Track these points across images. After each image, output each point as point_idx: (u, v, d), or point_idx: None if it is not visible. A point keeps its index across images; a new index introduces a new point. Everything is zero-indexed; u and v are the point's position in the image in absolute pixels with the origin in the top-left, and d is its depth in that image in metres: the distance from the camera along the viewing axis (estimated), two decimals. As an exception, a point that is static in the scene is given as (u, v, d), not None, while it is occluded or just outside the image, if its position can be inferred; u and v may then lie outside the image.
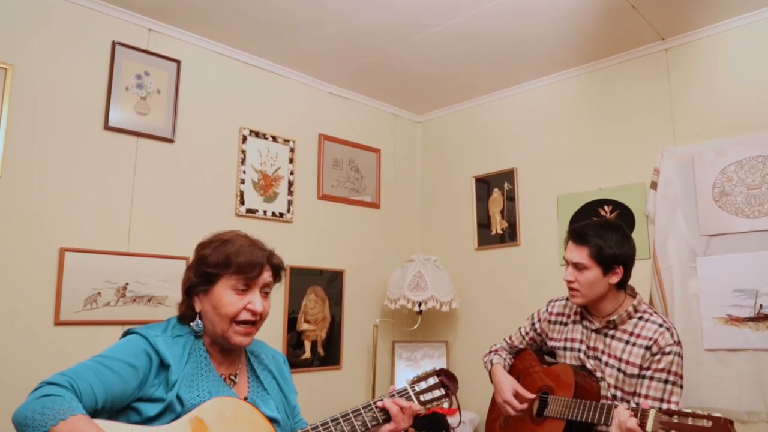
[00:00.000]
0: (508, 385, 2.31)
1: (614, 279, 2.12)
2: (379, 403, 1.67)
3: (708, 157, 2.89)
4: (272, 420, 1.59)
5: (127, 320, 2.72)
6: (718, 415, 1.52)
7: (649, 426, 1.66)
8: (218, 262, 1.58)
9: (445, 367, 3.63)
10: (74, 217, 2.68)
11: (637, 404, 1.76)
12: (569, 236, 2.20)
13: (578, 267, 2.12)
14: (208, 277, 1.58)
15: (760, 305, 2.65)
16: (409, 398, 1.72)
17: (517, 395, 2.27)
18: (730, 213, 2.79)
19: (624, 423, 1.71)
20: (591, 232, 2.14)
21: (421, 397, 1.73)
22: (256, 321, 1.61)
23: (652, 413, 1.66)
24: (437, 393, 1.76)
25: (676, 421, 1.59)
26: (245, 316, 1.59)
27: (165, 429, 1.44)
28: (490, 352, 2.57)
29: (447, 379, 1.78)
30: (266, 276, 1.63)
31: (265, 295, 1.64)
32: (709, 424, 1.53)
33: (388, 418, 1.67)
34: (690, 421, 1.56)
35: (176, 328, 1.61)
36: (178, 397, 1.48)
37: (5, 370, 2.41)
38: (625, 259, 2.13)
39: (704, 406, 2.76)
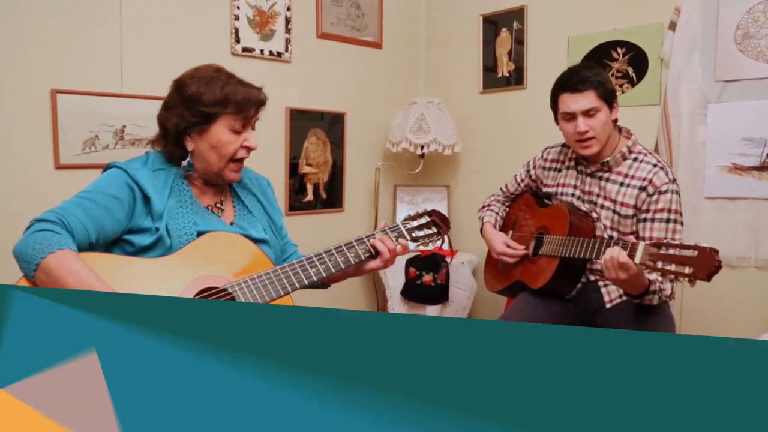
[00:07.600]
0: (499, 239, 2.39)
1: (615, 114, 2.11)
2: (371, 241, 1.71)
3: (735, -5, 2.69)
4: (261, 241, 1.66)
5: (127, 164, 2.70)
6: (705, 245, 1.57)
7: (638, 258, 1.70)
8: (216, 100, 1.55)
9: (444, 210, 3.69)
10: (61, 58, 2.55)
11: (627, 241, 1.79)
12: (565, 89, 2.10)
13: (589, 113, 2.06)
14: (205, 116, 1.56)
15: (767, 154, 2.62)
16: (401, 234, 1.77)
17: (508, 246, 2.34)
18: (750, 57, 2.65)
19: (615, 257, 1.74)
20: (588, 73, 2.07)
21: (413, 234, 1.79)
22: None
23: (641, 246, 1.70)
24: (428, 231, 1.82)
25: (663, 252, 1.64)
26: (242, 153, 1.62)
27: (161, 262, 1.48)
28: (483, 207, 2.60)
29: (438, 219, 1.82)
30: (258, 113, 1.65)
31: (253, 128, 1.66)
32: (695, 253, 1.57)
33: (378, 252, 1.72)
34: (677, 251, 1.61)
35: (156, 162, 1.62)
36: (167, 228, 1.51)
37: (8, 214, 2.43)
38: (616, 93, 2.12)
39: (697, 251, 2.84)
